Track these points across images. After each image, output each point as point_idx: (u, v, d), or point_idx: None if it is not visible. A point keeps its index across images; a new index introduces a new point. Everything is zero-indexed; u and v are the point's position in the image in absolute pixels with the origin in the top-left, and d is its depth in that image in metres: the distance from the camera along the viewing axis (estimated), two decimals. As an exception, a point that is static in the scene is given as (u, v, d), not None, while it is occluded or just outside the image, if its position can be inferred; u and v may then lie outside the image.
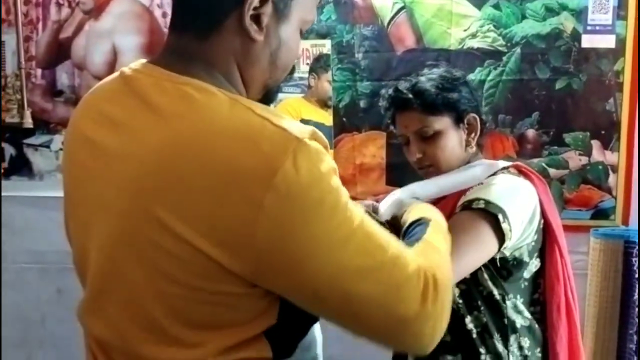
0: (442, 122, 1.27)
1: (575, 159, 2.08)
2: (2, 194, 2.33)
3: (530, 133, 2.09)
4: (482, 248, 1.15)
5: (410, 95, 1.27)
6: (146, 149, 0.74)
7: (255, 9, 0.77)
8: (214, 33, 0.78)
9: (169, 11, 2.21)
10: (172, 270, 0.74)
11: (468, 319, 1.23)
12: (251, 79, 0.82)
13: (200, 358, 0.77)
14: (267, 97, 0.88)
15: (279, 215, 0.70)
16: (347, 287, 0.74)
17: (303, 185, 0.71)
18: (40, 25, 2.28)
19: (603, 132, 2.06)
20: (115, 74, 0.84)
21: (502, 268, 1.22)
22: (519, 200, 1.20)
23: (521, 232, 1.19)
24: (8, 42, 2.29)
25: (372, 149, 2.15)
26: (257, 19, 0.78)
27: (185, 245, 0.72)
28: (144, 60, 0.83)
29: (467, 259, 1.12)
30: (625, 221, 2.06)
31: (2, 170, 2.36)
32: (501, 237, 1.14)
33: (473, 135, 1.30)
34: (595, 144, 2.07)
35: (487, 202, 1.15)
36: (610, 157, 2.07)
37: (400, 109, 1.30)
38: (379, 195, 2.21)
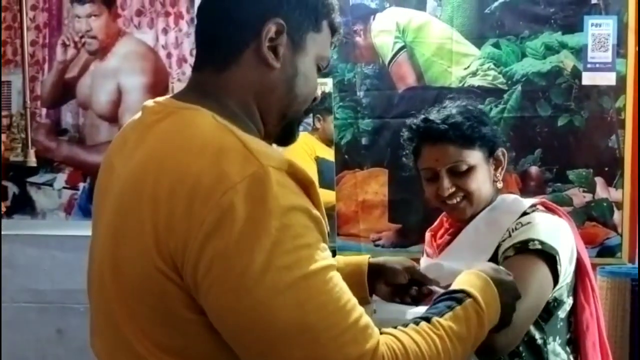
0: (476, 157, 1.22)
1: (579, 196, 2.06)
2: (5, 232, 2.32)
3: (533, 170, 2.09)
4: (545, 290, 1.13)
5: (446, 127, 1.20)
6: (130, 166, 0.78)
7: (271, 40, 0.81)
8: (232, 65, 0.82)
9: (173, 52, 2.26)
10: (140, 288, 0.74)
11: None
12: (268, 106, 0.84)
13: None
14: (288, 129, 0.89)
15: (216, 239, 0.68)
16: (269, 336, 0.69)
17: (248, 214, 0.68)
18: (46, 66, 2.32)
19: (606, 168, 2.05)
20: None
21: (544, 310, 1.17)
22: (563, 239, 1.18)
23: (564, 272, 1.17)
24: (14, 82, 2.33)
25: (375, 185, 2.14)
26: (274, 49, 0.81)
27: (149, 262, 0.72)
28: (168, 96, 0.87)
29: (535, 302, 1.10)
30: (632, 259, 2.03)
31: (5, 209, 2.37)
32: (555, 278, 1.13)
33: (500, 170, 1.27)
34: (599, 180, 2.06)
35: (542, 243, 1.13)
36: (614, 194, 2.05)
37: (432, 141, 1.22)
38: (382, 232, 2.21)
